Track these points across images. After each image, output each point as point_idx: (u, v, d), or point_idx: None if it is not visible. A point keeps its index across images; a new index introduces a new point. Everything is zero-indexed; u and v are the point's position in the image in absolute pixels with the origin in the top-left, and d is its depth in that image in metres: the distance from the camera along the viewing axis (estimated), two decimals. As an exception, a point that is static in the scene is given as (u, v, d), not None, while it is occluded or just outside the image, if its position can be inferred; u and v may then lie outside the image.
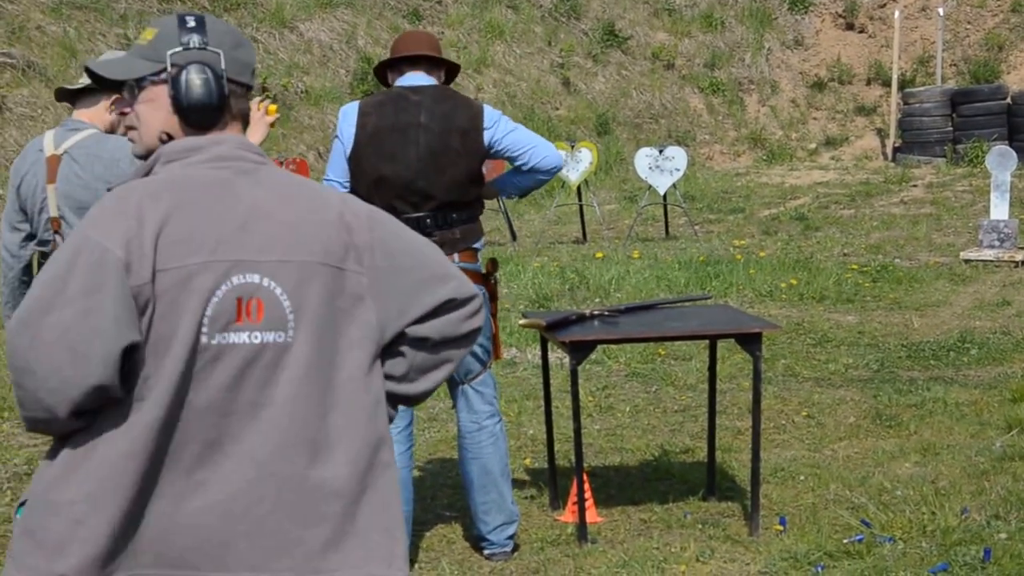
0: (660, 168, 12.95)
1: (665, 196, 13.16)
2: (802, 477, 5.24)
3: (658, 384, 7.02)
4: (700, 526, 4.67)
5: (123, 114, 2.21)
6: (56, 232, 4.05)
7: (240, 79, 2.06)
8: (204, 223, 1.93)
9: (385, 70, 4.37)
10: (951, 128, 17.37)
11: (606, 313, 4.77)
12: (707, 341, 5.43)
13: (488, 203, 13.55)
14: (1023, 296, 9.41)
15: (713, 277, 9.92)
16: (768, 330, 4.73)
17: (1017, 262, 10.63)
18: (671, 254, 11.55)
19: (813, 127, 19.64)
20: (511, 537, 4.43)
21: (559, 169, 4.36)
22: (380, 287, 2.03)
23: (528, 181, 4.33)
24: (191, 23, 2.04)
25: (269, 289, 1.95)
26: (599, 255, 11.50)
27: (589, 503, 4.68)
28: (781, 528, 4.60)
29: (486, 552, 4.42)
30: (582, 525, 4.52)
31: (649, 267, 10.46)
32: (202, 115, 2.01)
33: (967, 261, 10.79)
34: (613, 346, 7.26)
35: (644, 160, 13.05)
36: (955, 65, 19.39)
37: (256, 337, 1.94)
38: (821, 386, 6.90)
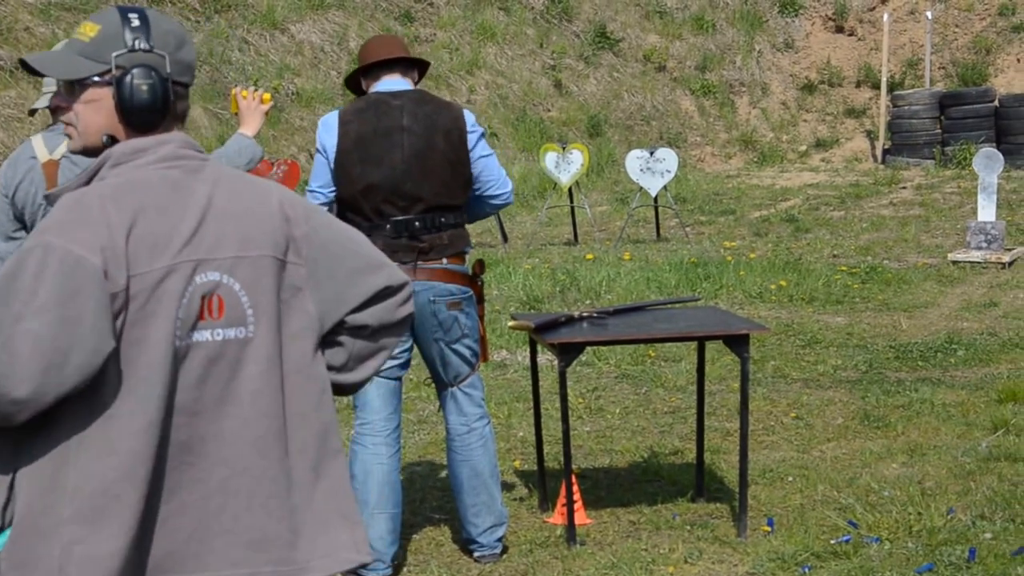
0: (651, 170, 12.98)
1: (656, 198, 13.20)
2: (790, 478, 5.28)
3: (648, 386, 7.05)
4: (688, 527, 4.70)
5: (60, 108, 2.17)
6: None
7: (182, 80, 2.06)
8: (166, 224, 1.94)
9: (358, 79, 4.37)
10: (939, 131, 17.44)
11: (595, 315, 4.80)
12: (696, 343, 5.46)
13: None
14: (1010, 297, 9.46)
15: (703, 279, 9.96)
16: (756, 331, 4.76)
17: (1004, 263, 10.69)
18: (662, 256, 11.59)
19: (803, 129, 19.70)
20: (500, 539, 4.45)
21: (505, 206, 4.50)
22: (317, 277, 2.06)
23: (476, 208, 4.39)
24: (135, 21, 2.00)
25: (228, 286, 1.97)
26: (590, 257, 11.53)
27: (578, 505, 4.71)
28: (769, 529, 4.63)
29: (475, 554, 4.44)
30: (571, 527, 4.55)
31: (640, 269, 10.50)
32: (147, 118, 2.00)
33: (955, 262, 10.84)
34: (603, 348, 7.29)
35: (635, 162, 13.08)
36: (943, 68, 19.46)
37: (218, 334, 1.96)
38: (810, 387, 6.94)
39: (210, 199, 1.99)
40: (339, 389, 2.16)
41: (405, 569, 4.44)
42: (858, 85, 19.98)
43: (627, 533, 4.70)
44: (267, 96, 4.04)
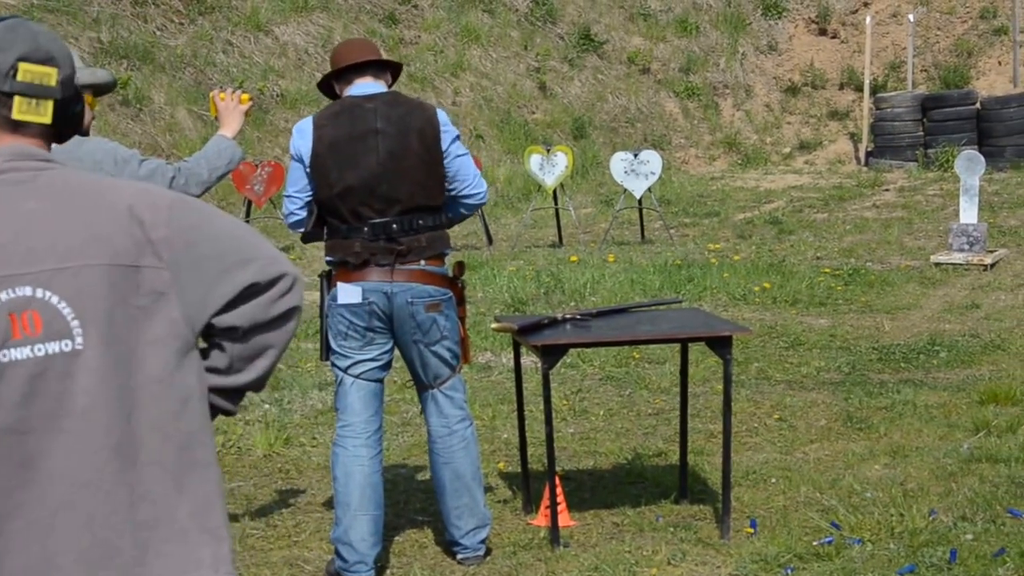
0: (635, 172, 13.01)
1: (640, 200, 13.22)
2: (773, 480, 5.29)
3: (632, 387, 7.07)
4: (672, 529, 4.71)
5: None
6: None
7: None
8: None
9: (330, 83, 4.36)
10: (922, 133, 17.52)
11: (578, 317, 4.80)
12: (679, 344, 5.48)
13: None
14: (992, 299, 9.51)
15: (687, 281, 9.98)
16: (739, 333, 4.78)
17: (986, 265, 10.74)
18: (646, 258, 11.61)
19: (787, 131, 19.76)
20: (483, 541, 4.45)
21: (479, 207, 4.45)
22: (182, 280, 1.97)
23: (451, 210, 4.37)
24: None
25: (44, 300, 1.90)
26: (574, 259, 11.54)
27: (562, 507, 4.71)
28: (752, 531, 4.64)
29: (459, 556, 4.44)
30: (555, 529, 4.55)
31: (624, 271, 10.51)
32: None
33: (937, 264, 10.89)
34: (587, 350, 7.30)
35: (619, 164, 13.10)
36: (926, 71, 19.55)
37: (40, 350, 1.90)
38: (793, 389, 6.96)
39: (31, 212, 1.93)
40: (235, 391, 2.09)
41: (388, 571, 4.43)
42: (841, 87, 20.06)
43: (611, 535, 4.71)
44: (245, 97, 4.03)
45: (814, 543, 4.44)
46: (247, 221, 11.51)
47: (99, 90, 4.20)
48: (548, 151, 13.33)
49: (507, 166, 16.72)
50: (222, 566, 1.99)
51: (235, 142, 4.03)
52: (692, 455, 5.43)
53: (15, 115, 1.98)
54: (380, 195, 4.19)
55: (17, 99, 1.98)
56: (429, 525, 4.84)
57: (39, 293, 1.90)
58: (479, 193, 4.35)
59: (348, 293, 4.22)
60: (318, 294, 4.41)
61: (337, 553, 4.27)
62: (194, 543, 1.97)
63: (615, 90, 19.30)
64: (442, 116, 4.30)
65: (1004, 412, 6.18)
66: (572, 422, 6.38)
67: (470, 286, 9.67)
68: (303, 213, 4.31)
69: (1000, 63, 19.14)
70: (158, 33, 15.15)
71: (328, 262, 4.31)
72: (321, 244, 4.35)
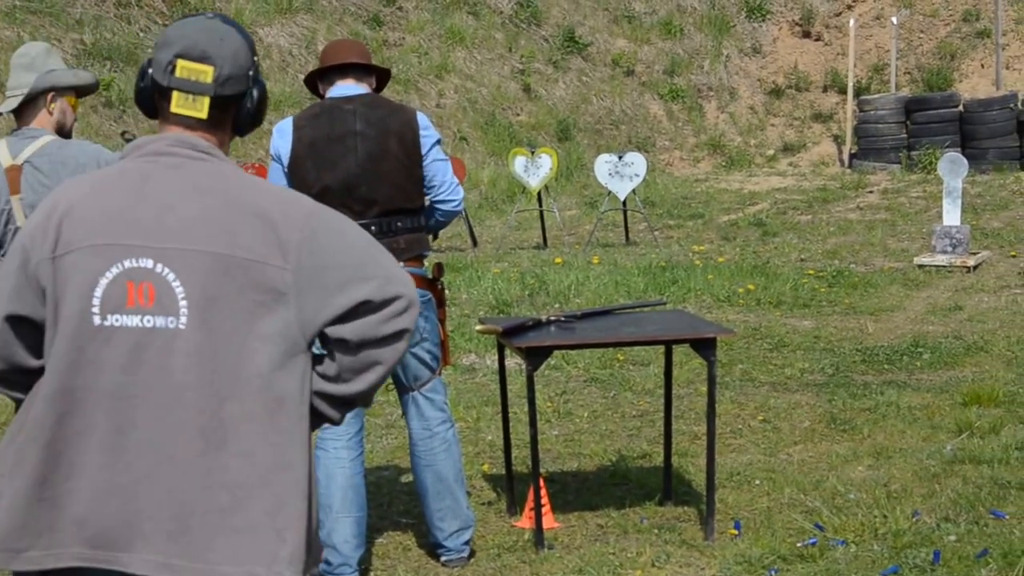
0: (620, 174, 13.02)
1: (625, 202, 13.23)
2: (757, 481, 5.30)
3: (616, 389, 7.06)
4: (656, 531, 4.71)
5: None
6: None
7: (159, 80, 2.15)
8: (107, 209, 2.04)
9: (315, 81, 4.37)
10: (905, 135, 17.58)
11: (562, 319, 4.80)
12: (664, 346, 5.48)
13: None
14: (974, 301, 9.55)
15: (672, 282, 9.99)
16: (723, 335, 4.78)
17: (969, 267, 10.78)
18: (631, 260, 11.61)
19: (771, 134, 19.81)
20: (467, 543, 4.44)
21: (456, 215, 4.43)
22: (302, 285, 2.04)
23: (429, 216, 4.37)
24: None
25: (161, 275, 2.01)
26: (559, 261, 11.54)
27: (546, 509, 4.71)
28: (736, 532, 4.65)
29: (442, 559, 4.44)
30: (539, 531, 4.55)
31: (609, 273, 10.52)
32: (142, 110, 2.20)
33: (920, 266, 10.92)
34: (571, 352, 7.30)
35: (604, 166, 13.11)
36: (909, 73, 19.62)
37: (148, 321, 2.00)
38: (777, 390, 6.97)
39: (172, 194, 2.05)
40: (340, 400, 2.13)
41: (371, 573, 4.42)
42: (825, 90, 20.11)
43: (595, 537, 4.70)
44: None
45: (798, 544, 4.45)
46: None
47: (82, 91, 4.18)
48: (532, 153, 13.33)
49: (491, 168, 16.71)
50: (277, 564, 2.03)
51: None
52: (676, 457, 5.43)
53: (173, 108, 2.12)
54: (358, 197, 4.19)
55: (175, 94, 2.13)
56: (413, 527, 4.83)
57: (158, 268, 2.02)
58: (454, 201, 4.33)
59: None
60: None
61: None
62: (261, 538, 2.02)
63: (599, 92, 19.32)
64: (422, 119, 4.30)
65: (987, 413, 6.20)
66: (556, 424, 6.38)
67: (454, 288, 9.66)
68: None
69: (983, 66, 19.23)
70: (141, 35, 15.09)
71: None
72: None
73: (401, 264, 4.20)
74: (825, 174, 17.87)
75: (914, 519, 4.65)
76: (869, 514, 4.69)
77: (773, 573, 4.24)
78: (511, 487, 5.03)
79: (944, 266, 10.84)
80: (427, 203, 4.36)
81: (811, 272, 10.62)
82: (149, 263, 2.01)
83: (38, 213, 2.08)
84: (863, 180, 16.74)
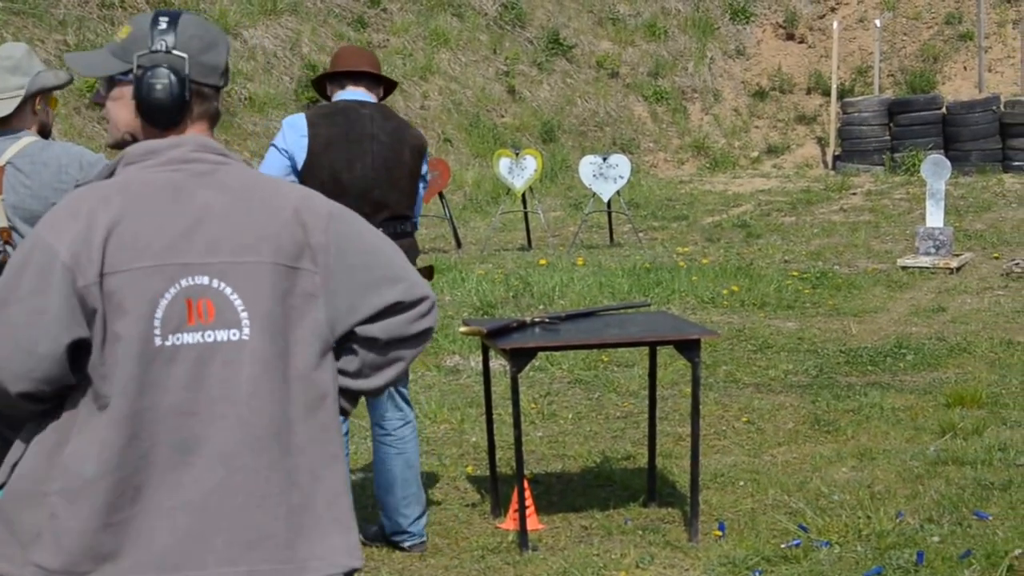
0: (604, 176, 13.03)
1: (609, 203, 13.24)
2: (741, 483, 5.30)
3: (600, 391, 7.06)
4: (640, 532, 4.71)
5: (98, 104, 2.29)
6: (7, 243, 4.00)
7: (206, 81, 2.11)
8: (153, 227, 2.00)
9: (323, 82, 4.50)
10: (889, 137, 17.64)
11: (547, 320, 4.80)
12: (648, 348, 5.48)
13: (434, 209, 13.56)
14: (958, 302, 9.58)
15: (656, 284, 10.00)
16: (707, 337, 4.78)
17: (952, 269, 10.82)
18: (615, 261, 11.62)
19: (755, 135, 19.85)
20: (424, 526, 4.58)
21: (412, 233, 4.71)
22: (331, 286, 2.08)
23: None
24: (163, 24, 2.09)
25: (218, 290, 2.02)
26: (543, 262, 11.54)
27: (530, 510, 4.70)
28: (720, 534, 4.65)
29: (406, 544, 4.54)
30: (523, 532, 4.54)
31: (593, 274, 10.52)
32: (161, 117, 2.09)
33: (904, 268, 10.96)
34: (556, 353, 7.30)
35: (588, 168, 13.12)
36: (892, 75, 19.70)
37: (210, 336, 2.01)
38: (761, 392, 6.98)
39: (209, 204, 2.04)
40: (357, 394, 2.19)
41: (356, 574, 4.41)
42: (808, 92, 20.17)
43: (579, 538, 4.70)
44: None
45: (782, 546, 4.45)
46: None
47: (58, 89, 4.17)
48: (517, 155, 13.33)
49: (476, 169, 16.70)
50: (355, 552, 2.11)
51: None
52: (660, 458, 5.43)
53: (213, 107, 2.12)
54: (371, 199, 4.30)
55: (222, 92, 2.14)
56: (397, 530, 4.82)
57: (215, 283, 2.02)
58: (415, 219, 4.59)
59: None
60: None
61: None
62: (331, 531, 2.08)
63: (584, 94, 19.33)
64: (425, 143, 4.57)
65: (970, 415, 6.22)
66: (540, 425, 6.37)
67: (438, 289, 9.65)
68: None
69: (965, 68, 19.32)
70: (124, 35, 15.03)
71: None
72: None
73: (422, 263, 4.40)
74: (809, 176, 17.92)
75: (898, 520, 4.66)
76: (853, 515, 4.70)
77: (757, 574, 4.24)
78: (495, 489, 5.02)
79: (927, 268, 10.87)
80: None
81: (795, 274, 10.64)
82: (205, 280, 2.01)
83: (70, 226, 1.98)
84: (847, 182, 16.79)
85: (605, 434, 6.19)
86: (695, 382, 4.58)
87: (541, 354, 6.35)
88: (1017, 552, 4.24)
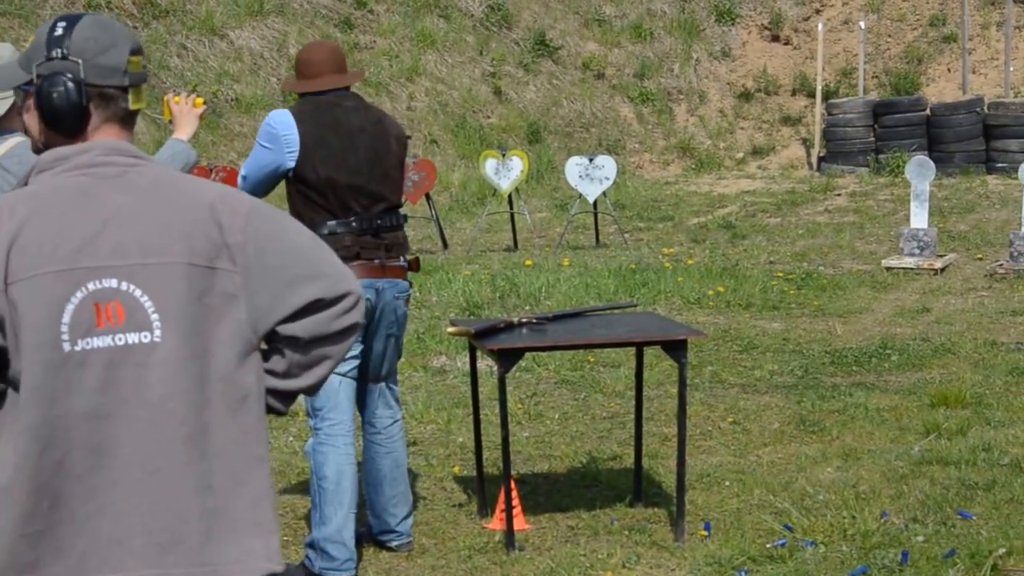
0: (590, 177, 13.05)
1: (595, 204, 13.26)
2: (727, 483, 5.32)
3: (587, 391, 7.08)
4: (626, 532, 4.73)
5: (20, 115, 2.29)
6: None
7: (107, 83, 2.07)
8: (59, 232, 1.98)
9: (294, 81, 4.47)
10: (873, 139, 17.70)
11: (534, 321, 4.82)
12: (634, 348, 5.49)
13: (420, 210, 13.56)
14: (942, 303, 9.63)
15: (642, 285, 10.02)
16: (693, 337, 4.80)
17: (936, 270, 10.87)
18: (601, 262, 11.64)
19: (740, 137, 19.90)
20: (411, 525, 4.59)
21: None
22: (252, 285, 2.06)
23: None
24: (59, 31, 2.07)
25: (128, 292, 1.99)
26: (529, 263, 11.55)
27: (517, 511, 4.71)
28: (706, 534, 4.67)
29: (394, 543, 4.53)
30: (510, 533, 4.55)
31: (579, 275, 10.53)
32: (62, 124, 2.06)
33: (888, 269, 11.00)
34: (542, 354, 7.31)
35: (574, 169, 13.14)
36: (877, 77, 19.77)
37: (120, 339, 1.98)
38: (747, 392, 7.00)
39: (118, 207, 2.02)
40: (287, 394, 2.16)
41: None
42: (794, 93, 20.23)
43: (566, 538, 4.71)
44: (199, 100, 4.01)
45: (767, 545, 4.47)
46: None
47: None
48: (503, 155, 13.34)
49: (462, 170, 16.70)
50: (273, 556, 2.08)
51: (189, 146, 4.01)
52: (647, 458, 5.45)
53: (132, 106, 2.08)
54: (367, 191, 4.30)
55: (131, 91, 2.09)
56: (384, 530, 4.82)
57: (123, 286, 1.99)
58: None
59: None
60: None
61: (322, 552, 4.26)
62: (248, 534, 2.06)
63: (570, 95, 19.35)
64: None
65: (954, 415, 6.25)
66: (527, 426, 6.38)
67: (425, 290, 9.65)
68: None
69: (949, 70, 19.40)
70: (110, 35, 14.99)
71: None
72: None
73: (401, 259, 4.34)
74: (794, 177, 17.97)
75: (882, 520, 4.68)
76: (838, 515, 4.72)
77: (743, 574, 4.26)
78: (482, 489, 5.03)
79: (912, 268, 10.92)
80: None
81: (780, 274, 10.68)
82: (113, 283, 1.98)
83: None
84: (831, 183, 16.85)
85: (591, 434, 6.21)
86: (682, 382, 4.60)
87: (527, 355, 6.35)
88: (1001, 551, 4.27)
